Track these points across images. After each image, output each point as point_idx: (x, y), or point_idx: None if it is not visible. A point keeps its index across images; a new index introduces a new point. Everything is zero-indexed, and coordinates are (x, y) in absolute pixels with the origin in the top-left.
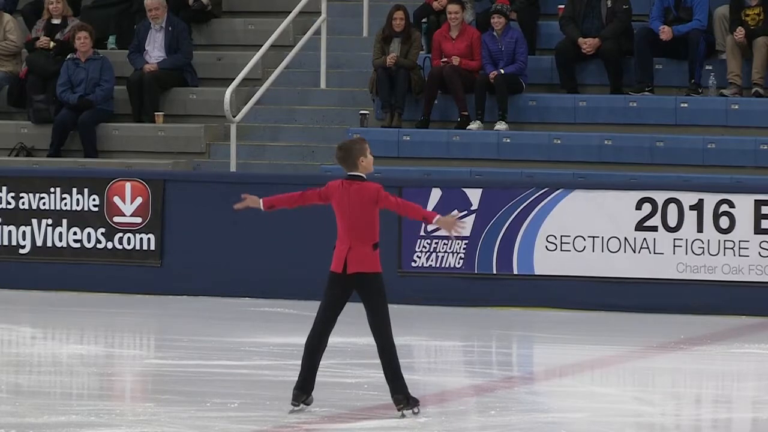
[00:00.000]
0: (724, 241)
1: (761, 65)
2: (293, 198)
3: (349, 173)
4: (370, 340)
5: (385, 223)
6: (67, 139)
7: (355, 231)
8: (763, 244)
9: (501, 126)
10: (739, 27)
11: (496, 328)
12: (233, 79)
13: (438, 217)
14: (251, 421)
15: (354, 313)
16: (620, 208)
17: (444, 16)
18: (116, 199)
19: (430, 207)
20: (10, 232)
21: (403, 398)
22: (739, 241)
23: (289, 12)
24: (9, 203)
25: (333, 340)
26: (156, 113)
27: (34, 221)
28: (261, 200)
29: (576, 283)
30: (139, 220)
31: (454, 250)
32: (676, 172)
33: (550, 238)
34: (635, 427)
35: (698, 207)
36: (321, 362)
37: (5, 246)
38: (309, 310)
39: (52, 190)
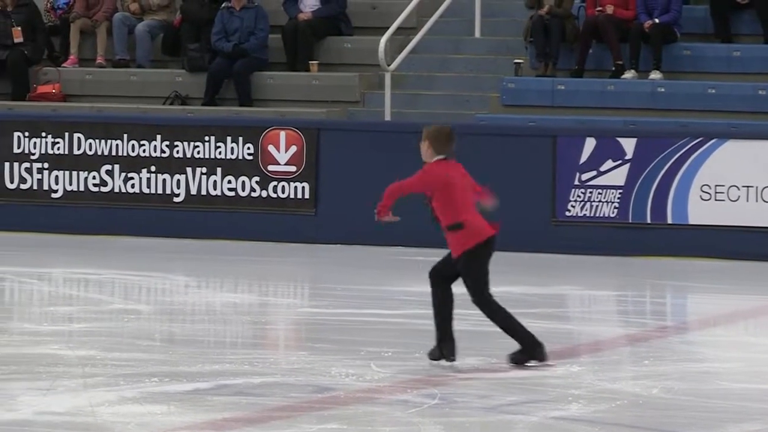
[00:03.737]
0: None
1: None
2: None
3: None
4: (525, 289)
5: (539, 173)
6: (221, 87)
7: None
8: None
9: (655, 75)
10: None
11: (649, 277)
12: (388, 28)
13: None
14: (405, 370)
15: (505, 262)
16: None
17: None
18: (271, 148)
19: (584, 157)
20: (164, 180)
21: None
22: None
23: None
24: (164, 152)
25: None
26: (310, 62)
27: (189, 170)
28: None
29: (730, 233)
30: (293, 168)
31: (609, 200)
32: None
33: (705, 188)
34: None
35: None
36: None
37: (159, 194)
38: None
39: (206, 138)
